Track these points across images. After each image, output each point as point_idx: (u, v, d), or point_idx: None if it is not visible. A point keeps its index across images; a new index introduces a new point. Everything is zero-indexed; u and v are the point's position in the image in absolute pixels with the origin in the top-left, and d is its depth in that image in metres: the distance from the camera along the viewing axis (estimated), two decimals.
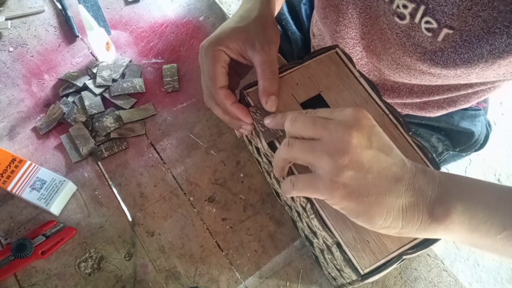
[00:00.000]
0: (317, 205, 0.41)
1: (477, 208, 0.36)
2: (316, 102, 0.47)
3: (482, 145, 0.78)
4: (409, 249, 0.39)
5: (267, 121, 0.45)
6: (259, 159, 0.56)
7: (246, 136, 0.56)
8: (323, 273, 0.53)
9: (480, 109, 0.75)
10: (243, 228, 0.56)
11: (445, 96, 0.62)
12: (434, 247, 0.46)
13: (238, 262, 0.54)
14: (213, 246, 0.55)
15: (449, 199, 0.36)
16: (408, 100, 0.65)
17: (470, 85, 0.58)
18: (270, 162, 0.50)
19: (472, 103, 0.65)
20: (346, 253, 0.40)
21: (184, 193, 0.58)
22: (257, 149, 0.53)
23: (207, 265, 0.54)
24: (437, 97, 0.62)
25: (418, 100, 0.65)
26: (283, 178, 0.43)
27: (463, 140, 0.76)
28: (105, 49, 0.65)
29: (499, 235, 0.35)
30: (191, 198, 0.58)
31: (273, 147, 0.46)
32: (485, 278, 1.39)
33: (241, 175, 0.59)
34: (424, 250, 0.40)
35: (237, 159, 0.60)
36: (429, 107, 0.67)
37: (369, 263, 0.38)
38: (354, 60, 0.62)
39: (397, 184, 0.35)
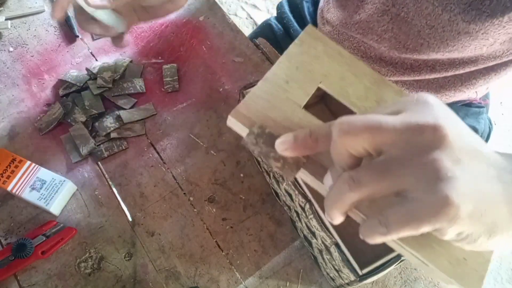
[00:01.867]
0: (316, 205, 0.41)
1: None
2: (318, 96, 0.42)
3: None
4: None
5: (283, 147, 0.29)
6: (259, 159, 0.56)
7: None
8: (322, 273, 0.53)
9: (483, 106, 0.76)
10: (243, 228, 0.56)
11: (465, 71, 0.61)
12: None
13: (238, 262, 0.54)
14: (213, 246, 0.55)
15: None
16: (427, 76, 0.64)
17: (492, 56, 0.57)
18: None
19: (490, 84, 0.65)
20: (344, 254, 0.40)
21: (184, 193, 0.58)
22: None
23: (207, 265, 0.54)
24: (456, 72, 0.61)
25: (438, 76, 0.63)
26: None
27: None
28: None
29: None
30: (191, 198, 0.58)
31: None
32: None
33: (241, 175, 0.59)
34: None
35: (237, 159, 0.60)
36: (446, 90, 0.67)
37: (478, 284, 0.30)
38: (374, 37, 0.61)
39: (502, 184, 0.26)
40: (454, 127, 0.25)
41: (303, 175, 0.31)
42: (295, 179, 0.43)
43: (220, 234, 0.55)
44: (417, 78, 0.65)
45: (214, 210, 0.57)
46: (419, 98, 0.26)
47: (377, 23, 0.60)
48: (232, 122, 0.34)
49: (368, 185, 0.25)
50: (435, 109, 0.25)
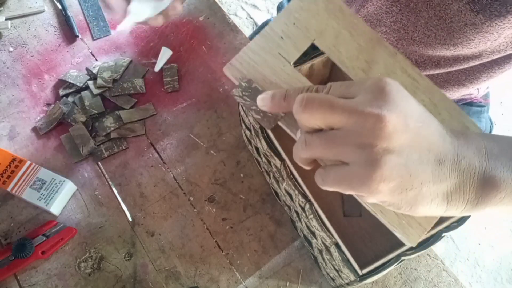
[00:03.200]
0: (316, 205, 0.41)
1: None
2: (311, 51, 0.40)
3: None
4: (407, 250, 0.39)
5: (262, 103, 0.35)
6: (259, 159, 0.56)
7: (246, 136, 0.56)
8: (322, 273, 0.53)
9: (484, 105, 0.76)
10: (243, 228, 0.56)
11: (469, 65, 0.61)
12: (434, 247, 0.46)
13: (238, 262, 0.54)
14: (213, 246, 0.55)
15: (497, 169, 0.31)
16: (431, 72, 0.64)
17: (497, 50, 0.57)
18: (269, 162, 0.50)
19: (493, 79, 0.65)
20: (344, 254, 0.40)
21: (184, 193, 0.58)
22: (257, 149, 0.53)
23: (207, 265, 0.54)
24: (461, 67, 0.61)
25: (443, 71, 0.63)
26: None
27: None
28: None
29: None
30: (191, 198, 0.58)
31: (272, 148, 0.46)
32: (485, 278, 1.39)
33: (241, 175, 0.59)
34: (423, 251, 0.40)
35: (237, 159, 0.60)
36: (450, 84, 0.67)
37: (418, 236, 0.34)
38: (383, 29, 0.61)
39: (440, 167, 0.30)
40: (399, 116, 0.29)
41: (281, 125, 0.35)
42: (296, 180, 0.43)
43: (220, 234, 0.55)
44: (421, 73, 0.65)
45: (214, 210, 0.57)
46: (378, 84, 0.30)
47: (386, 14, 0.60)
48: (227, 74, 0.36)
49: (315, 150, 0.31)
50: (387, 97, 0.29)
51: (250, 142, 0.56)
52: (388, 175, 0.29)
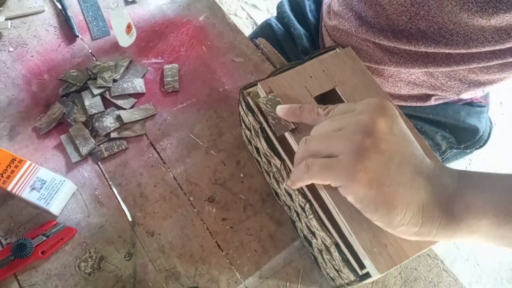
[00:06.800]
0: (316, 205, 0.41)
1: (502, 197, 0.32)
2: (330, 96, 0.45)
3: (485, 142, 0.79)
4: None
5: (280, 111, 0.42)
6: (259, 159, 0.56)
7: (246, 136, 0.56)
8: (322, 273, 0.53)
9: (485, 105, 0.76)
10: (243, 228, 0.56)
11: (473, 66, 0.60)
12: (434, 247, 0.46)
13: (238, 262, 0.54)
14: (213, 246, 0.55)
15: (468, 191, 0.33)
16: (437, 69, 0.63)
17: (500, 53, 0.56)
18: (269, 162, 0.50)
19: (497, 83, 0.65)
20: (344, 254, 0.40)
21: (184, 193, 0.58)
22: (257, 149, 0.53)
23: (207, 265, 0.54)
24: (470, 66, 0.60)
25: (449, 69, 0.63)
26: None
27: (468, 137, 0.77)
28: (125, 32, 0.65)
29: None
30: (191, 198, 0.58)
31: (273, 148, 0.46)
32: (485, 278, 1.39)
33: (241, 175, 0.59)
34: (423, 251, 0.40)
35: (237, 159, 0.60)
36: (456, 80, 0.66)
37: (387, 268, 0.36)
38: (387, 34, 0.60)
39: (417, 176, 0.33)
40: (387, 122, 0.34)
41: (289, 138, 0.43)
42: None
43: (220, 234, 0.55)
44: (427, 70, 0.64)
45: (214, 210, 0.57)
46: (376, 100, 0.35)
47: (395, 21, 0.58)
48: (258, 88, 0.46)
49: (313, 145, 0.36)
50: (381, 110, 0.34)
51: (250, 142, 0.56)
52: (369, 166, 0.32)
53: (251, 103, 0.48)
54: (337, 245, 0.40)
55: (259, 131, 0.47)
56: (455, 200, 0.33)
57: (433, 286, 0.53)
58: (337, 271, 0.44)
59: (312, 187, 0.40)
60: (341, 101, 0.45)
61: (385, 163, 0.32)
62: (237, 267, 0.54)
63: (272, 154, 0.45)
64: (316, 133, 0.38)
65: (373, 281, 0.53)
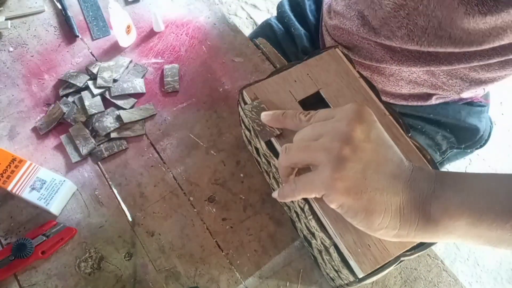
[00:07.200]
0: (314, 206, 0.41)
1: (477, 197, 0.34)
2: (315, 99, 0.46)
3: (486, 141, 0.79)
4: (407, 251, 0.39)
5: (264, 117, 0.44)
6: (259, 159, 0.56)
7: (246, 136, 0.56)
8: (322, 273, 0.53)
9: (485, 105, 0.76)
10: (243, 228, 0.56)
11: (479, 64, 0.60)
12: (434, 247, 0.46)
13: (238, 262, 0.54)
14: (213, 246, 0.55)
15: (445, 193, 0.34)
16: (437, 68, 0.63)
17: (501, 49, 0.56)
18: (269, 162, 0.50)
19: (498, 81, 0.64)
20: (343, 255, 0.40)
21: (184, 193, 0.58)
22: (257, 149, 0.53)
23: (207, 265, 0.54)
24: (471, 64, 0.60)
25: (450, 67, 0.62)
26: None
27: (468, 137, 0.77)
28: (125, 32, 0.66)
29: (508, 223, 0.33)
30: (191, 198, 0.58)
31: (272, 148, 0.46)
32: (485, 278, 1.39)
33: (241, 175, 0.59)
34: (423, 252, 0.40)
35: (237, 159, 0.60)
36: (457, 78, 0.66)
37: (370, 268, 0.37)
38: (387, 33, 0.60)
39: (395, 181, 0.34)
40: (364, 130, 0.35)
41: (275, 143, 0.44)
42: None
43: (220, 234, 0.55)
44: (428, 68, 0.64)
45: (214, 210, 0.57)
46: (353, 106, 0.36)
47: (394, 17, 0.58)
48: (244, 94, 0.47)
49: (292, 155, 0.38)
50: (358, 116, 0.36)
51: (250, 143, 0.56)
52: (345, 175, 0.33)
53: (248, 101, 0.48)
54: (336, 246, 0.40)
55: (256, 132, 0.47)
56: (432, 202, 0.34)
57: (433, 286, 0.53)
58: (336, 271, 0.44)
59: None
60: (326, 104, 0.46)
61: (362, 170, 0.34)
62: (237, 267, 0.54)
63: (272, 155, 0.45)
64: (296, 140, 0.39)
65: (373, 282, 0.53)
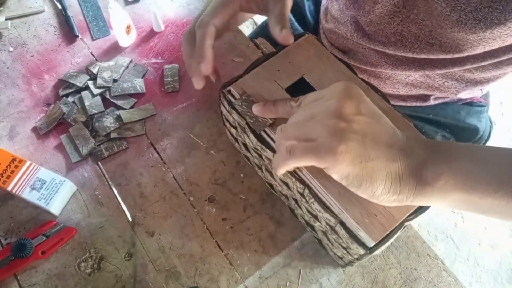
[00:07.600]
0: (314, 188, 0.42)
1: (471, 166, 0.35)
2: (300, 85, 0.47)
3: (485, 141, 0.79)
4: (410, 215, 0.40)
5: (256, 109, 0.45)
6: (248, 155, 0.56)
7: (232, 134, 0.56)
8: (323, 272, 0.53)
9: (485, 105, 0.76)
10: (243, 228, 0.56)
11: (473, 66, 0.60)
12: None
13: (238, 262, 0.54)
14: (213, 246, 0.55)
15: (440, 160, 0.36)
16: (432, 72, 0.64)
17: (493, 51, 0.56)
18: (260, 155, 0.50)
19: (494, 81, 0.65)
20: (351, 230, 0.41)
21: (184, 193, 0.58)
22: (245, 145, 0.54)
23: (207, 265, 0.54)
24: (465, 67, 0.61)
25: (445, 71, 0.63)
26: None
27: (468, 137, 0.77)
28: (125, 32, 0.66)
29: (498, 192, 0.35)
30: (191, 198, 0.58)
31: (263, 141, 0.46)
32: (485, 278, 1.39)
33: (241, 175, 0.59)
34: (422, 214, 0.41)
35: (237, 159, 0.60)
36: (454, 80, 0.66)
37: (380, 235, 0.38)
38: (382, 39, 0.61)
39: (391, 149, 0.36)
40: (353, 105, 0.36)
41: (269, 132, 0.45)
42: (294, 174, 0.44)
43: (220, 234, 0.55)
44: (423, 72, 0.64)
45: (214, 210, 0.57)
46: (340, 84, 0.38)
47: (388, 24, 0.59)
48: (233, 89, 0.48)
49: (289, 132, 0.38)
50: (345, 92, 0.37)
51: (236, 140, 0.56)
52: (349, 145, 0.34)
53: (236, 96, 0.48)
54: (342, 223, 0.41)
55: (246, 127, 0.47)
56: (427, 168, 0.36)
57: (433, 286, 0.53)
58: (345, 248, 0.45)
59: (308, 171, 0.41)
60: (312, 88, 0.46)
61: (362, 141, 0.35)
62: (237, 267, 0.54)
63: (263, 147, 0.46)
64: (291, 123, 0.40)
65: (373, 281, 0.53)
